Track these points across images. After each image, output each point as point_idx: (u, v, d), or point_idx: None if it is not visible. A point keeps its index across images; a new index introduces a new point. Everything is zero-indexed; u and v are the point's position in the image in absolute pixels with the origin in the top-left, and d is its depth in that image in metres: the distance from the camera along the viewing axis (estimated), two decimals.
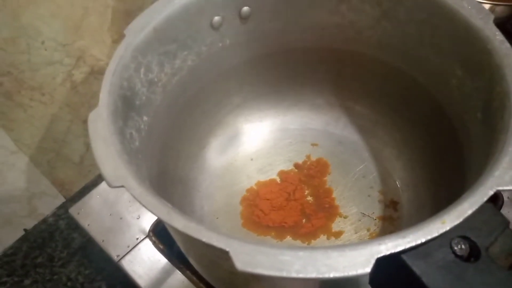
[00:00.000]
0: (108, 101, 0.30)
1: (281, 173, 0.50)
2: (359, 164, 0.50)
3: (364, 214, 0.46)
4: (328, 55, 0.47)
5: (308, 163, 0.50)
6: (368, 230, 0.45)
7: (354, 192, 0.48)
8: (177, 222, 0.23)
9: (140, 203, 0.24)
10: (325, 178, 0.49)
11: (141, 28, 0.35)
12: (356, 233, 0.45)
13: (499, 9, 0.55)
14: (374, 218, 0.46)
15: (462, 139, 0.36)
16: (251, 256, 0.22)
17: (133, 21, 0.35)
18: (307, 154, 0.51)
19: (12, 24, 0.50)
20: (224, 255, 0.22)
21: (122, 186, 0.25)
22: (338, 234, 0.45)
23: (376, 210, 0.46)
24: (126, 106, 0.32)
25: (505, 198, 0.47)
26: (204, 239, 0.22)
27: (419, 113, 0.44)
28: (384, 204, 0.47)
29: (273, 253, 0.22)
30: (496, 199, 0.46)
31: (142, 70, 0.35)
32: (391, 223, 0.46)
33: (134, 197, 0.25)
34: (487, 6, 0.54)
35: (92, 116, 0.29)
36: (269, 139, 0.52)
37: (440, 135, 0.41)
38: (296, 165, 0.50)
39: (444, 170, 0.41)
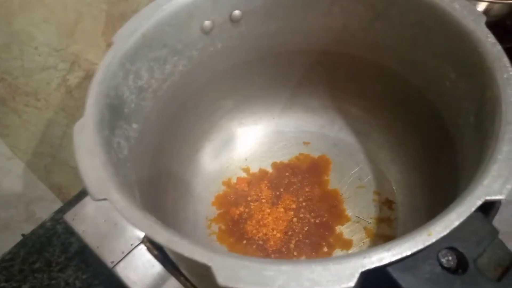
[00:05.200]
0: (93, 111, 0.30)
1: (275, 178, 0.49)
2: (354, 166, 0.49)
3: (359, 218, 0.46)
4: (322, 58, 0.47)
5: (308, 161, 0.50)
6: (365, 232, 0.45)
7: (350, 194, 0.47)
8: (160, 236, 0.23)
9: (123, 216, 0.24)
10: (327, 177, 0.49)
11: (129, 34, 0.35)
12: (353, 236, 0.45)
13: (496, 7, 0.54)
14: (369, 221, 0.45)
15: (456, 142, 0.36)
16: (233, 271, 0.21)
17: (121, 28, 0.35)
18: (303, 153, 0.51)
19: (5, 30, 0.49)
20: (207, 269, 0.22)
21: (106, 199, 0.25)
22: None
23: (372, 212, 0.46)
24: (114, 115, 0.32)
25: (502, 200, 0.46)
26: (186, 254, 0.22)
27: (414, 115, 0.43)
28: (379, 206, 0.46)
29: (256, 267, 0.21)
30: (492, 203, 0.45)
31: (131, 77, 0.35)
32: (388, 225, 0.45)
33: (117, 210, 0.24)
34: (484, 4, 0.53)
35: (77, 127, 0.28)
36: (264, 142, 0.52)
37: (435, 138, 0.40)
38: (292, 166, 0.50)
39: (439, 173, 0.40)
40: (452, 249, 0.23)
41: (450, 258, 0.23)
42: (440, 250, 0.23)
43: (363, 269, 0.21)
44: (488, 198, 0.23)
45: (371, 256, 0.21)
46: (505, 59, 0.29)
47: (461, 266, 0.23)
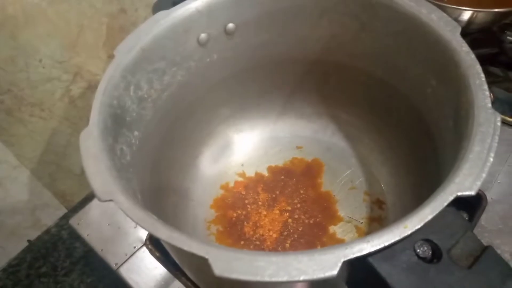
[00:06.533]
0: (98, 120, 0.32)
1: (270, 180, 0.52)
2: (346, 169, 0.51)
3: (351, 218, 0.48)
4: (313, 66, 0.49)
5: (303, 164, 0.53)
6: (356, 232, 0.47)
7: (342, 195, 0.50)
8: (161, 232, 0.25)
9: (128, 215, 0.26)
10: (320, 180, 0.51)
11: (129, 48, 0.37)
12: (345, 235, 0.47)
13: (480, 15, 0.56)
14: (361, 221, 0.47)
15: (438, 145, 0.38)
16: (228, 262, 0.23)
17: (121, 42, 0.37)
18: (298, 157, 0.53)
19: (11, 44, 0.52)
20: (204, 262, 0.24)
21: (111, 200, 0.27)
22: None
23: (363, 212, 0.48)
24: (117, 123, 0.34)
25: (489, 199, 0.48)
26: (185, 248, 0.24)
27: (401, 120, 0.46)
28: (370, 206, 0.48)
29: (248, 259, 0.24)
30: (479, 200, 0.47)
31: (132, 88, 0.37)
32: (379, 224, 0.47)
33: (122, 210, 0.27)
34: (469, 13, 0.55)
35: (83, 135, 0.31)
36: (260, 147, 0.54)
37: (421, 141, 0.42)
38: (287, 170, 0.52)
39: (425, 174, 0.42)
40: (427, 240, 0.25)
41: (425, 248, 0.25)
42: (416, 241, 0.25)
43: (345, 259, 0.23)
44: (460, 194, 0.25)
45: (352, 247, 0.23)
46: (478, 66, 0.31)
47: (435, 256, 0.25)
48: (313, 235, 0.47)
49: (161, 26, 0.39)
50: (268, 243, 0.46)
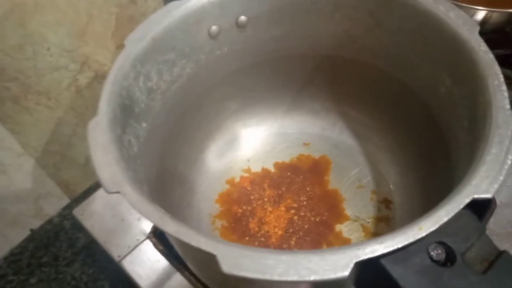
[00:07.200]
0: (107, 110, 0.31)
1: (276, 177, 0.51)
2: (354, 167, 0.51)
3: (358, 217, 0.47)
4: (323, 62, 0.48)
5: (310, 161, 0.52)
6: (363, 231, 0.46)
7: (349, 194, 0.49)
8: (169, 226, 0.25)
9: (135, 208, 0.26)
10: (327, 178, 0.51)
11: (140, 38, 0.36)
12: (351, 234, 0.46)
13: (495, 15, 0.55)
14: (368, 221, 0.47)
15: (451, 145, 0.37)
16: (236, 259, 0.23)
17: (132, 32, 0.37)
18: (305, 154, 0.53)
19: (19, 32, 0.51)
20: (212, 258, 0.23)
21: (118, 192, 0.27)
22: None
23: (371, 212, 0.48)
24: (125, 114, 0.34)
25: (498, 202, 0.48)
26: (193, 243, 0.24)
27: (411, 118, 0.45)
28: (378, 206, 0.48)
29: (257, 256, 0.23)
30: (489, 203, 0.47)
31: (141, 78, 0.37)
32: (386, 224, 0.47)
33: (129, 203, 0.26)
34: (483, 12, 0.55)
35: (92, 125, 0.30)
36: (267, 143, 0.54)
37: (431, 140, 0.42)
38: (294, 166, 0.52)
39: (435, 174, 0.42)
40: (441, 243, 0.25)
41: (439, 251, 0.24)
42: (430, 244, 0.25)
43: (357, 260, 0.22)
44: (476, 196, 0.25)
45: (364, 248, 0.23)
46: (496, 67, 0.30)
47: (449, 259, 0.24)
48: (319, 233, 0.46)
49: (173, 16, 0.38)
50: (273, 239, 0.46)
